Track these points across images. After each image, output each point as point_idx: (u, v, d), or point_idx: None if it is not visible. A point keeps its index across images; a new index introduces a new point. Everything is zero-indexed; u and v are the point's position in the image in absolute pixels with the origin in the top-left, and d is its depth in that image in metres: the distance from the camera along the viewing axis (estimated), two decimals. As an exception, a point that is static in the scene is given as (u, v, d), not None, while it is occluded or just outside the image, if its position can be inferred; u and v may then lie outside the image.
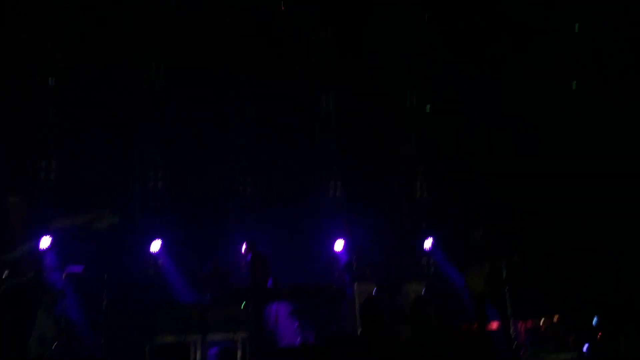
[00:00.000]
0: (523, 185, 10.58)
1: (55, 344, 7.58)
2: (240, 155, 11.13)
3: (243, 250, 9.80)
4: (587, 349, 8.48)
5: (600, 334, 9.37)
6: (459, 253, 8.35)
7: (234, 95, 11.20)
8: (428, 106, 12.09)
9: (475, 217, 9.00)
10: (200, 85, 10.54)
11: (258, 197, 11.00)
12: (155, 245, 9.88)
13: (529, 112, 10.65)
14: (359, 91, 11.53)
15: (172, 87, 10.53)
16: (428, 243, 11.52)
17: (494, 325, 8.41)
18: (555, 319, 9.90)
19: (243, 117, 11.14)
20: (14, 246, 5.46)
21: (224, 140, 11.10)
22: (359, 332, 8.51)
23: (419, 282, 9.56)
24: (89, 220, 5.60)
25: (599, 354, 8.09)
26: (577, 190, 10.00)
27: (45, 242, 7.96)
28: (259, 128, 11.10)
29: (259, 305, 9.13)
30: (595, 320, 9.20)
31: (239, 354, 8.01)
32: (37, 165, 9.52)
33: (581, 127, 10.21)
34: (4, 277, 5.27)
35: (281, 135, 11.00)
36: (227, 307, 8.29)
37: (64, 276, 8.09)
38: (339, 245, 11.08)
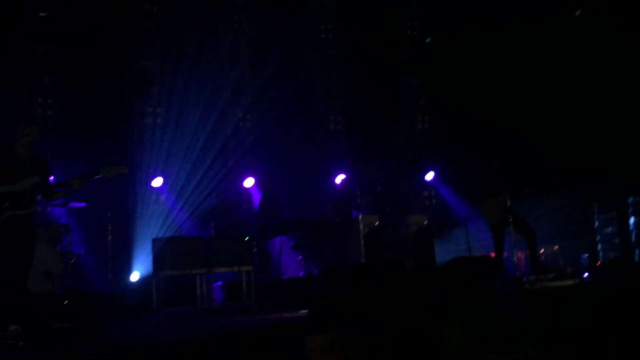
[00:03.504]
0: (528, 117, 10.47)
1: (62, 280, 7.62)
2: (240, 91, 10.95)
3: (257, 184, 9.83)
4: (587, 277, 8.61)
5: (599, 263, 9.52)
6: (474, 183, 8.37)
7: (230, 27, 10.90)
8: (429, 38, 11.84)
9: (481, 149, 8.95)
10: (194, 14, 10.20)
11: (259, 133, 10.89)
12: (157, 182, 9.84)
13: (535, 41, 10.40)
14: (359, 22, 11.24)
15: (168, 17, 10.19)
16: (430, 175, 11.54)
17: (492, 254, 8.54)
18: (556, 248, 10.05)
19: (239, 51, 10.88)
20: (18, 179, 5.40)
21: (221, 75, 10.87)
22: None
23: (421, 214, 9.62)
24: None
25: (599, 282, 8.21)
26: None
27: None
28: (258, 61, 10.87)
29: (263, 239, 9.19)
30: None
31: (244, 286, 8.14)
32: (34, 101, 9.35)
33: (587, 54, 9.99)
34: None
35: (281, 68, 10.78)
36: (232, 241, 8.36)
37: (67, 210, 8.06)
38: (340, 179, 11.10)
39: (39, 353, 4.54)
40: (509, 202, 7.79)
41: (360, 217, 8.70)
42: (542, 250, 9.94)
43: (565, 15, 10.51)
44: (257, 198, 10.34)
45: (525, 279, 8.15)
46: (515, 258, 8.40)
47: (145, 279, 8.47)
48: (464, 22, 11.03)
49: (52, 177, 5.95)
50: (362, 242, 8.37)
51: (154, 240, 8.00)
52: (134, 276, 8.86)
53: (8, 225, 5.29)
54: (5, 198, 5.29)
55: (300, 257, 9.34)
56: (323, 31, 11.45)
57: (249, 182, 10.51)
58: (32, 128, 5.55)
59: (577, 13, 10.73)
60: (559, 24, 10.46)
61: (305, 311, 5.79)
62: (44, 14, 9.47)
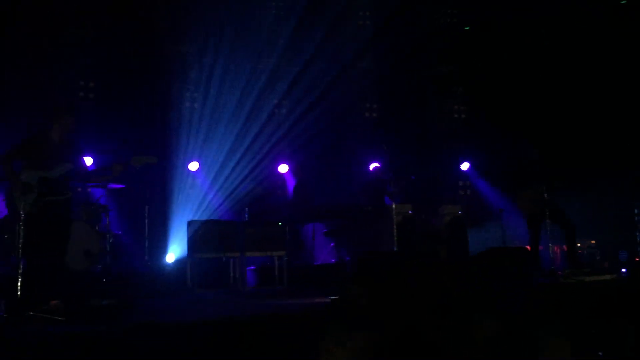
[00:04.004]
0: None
1: (101, 259, 7.84)
2: (276, 77, 10.98)
3: (291, 171, 9.89)
4: (626, 272, 8.41)
5: (639, 258, 9.29)
6: (510, 174, 8.24)
7: (267, 13, 10.92)
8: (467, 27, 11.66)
9: (518, 140, 8.79)
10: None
11: (294, 119, 10.93)
12: (193, 166, 10.00)
13: (575, 30, 10.13)
14: (395, 9, 11.11)
15: (207, 3, 10.26)
16: (465, 166, 11.42)
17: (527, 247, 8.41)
18: (592, 242, 9.84)
19: (276, 38, 10.90)
20: (54, 165, 5.55)
21: (257, 61, 10.90)
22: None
23: (455, 204, 9.54)
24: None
25: (638, 277, 8.00)
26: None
27: (88, 161, 8.12)
28: (294, 48, 10.86)
29: (296, 225, 9.25)
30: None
31: (276, 271, 8.22)
32: (76, 85, 9.57)
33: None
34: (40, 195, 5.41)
35: (317, 56, 10.76)
36: (265, 226, 8.44)
37: (106, 191, 8.26)
38: (373, 167, 11.07)
39: (76, 327, 4.69)
40: (545, 194, 7.67)
41: (393, 205, 8.68)
42: (579, 244, 9.76)
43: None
44: (291, 184, 10.41)
45: (560, 272, 8.04)
46: (551, 252, 8.27)
47: (181, 261, 8.64)
48: (502, 10, 10.81)
49: (91, 160, 6.10)
50: (395, 230, 8.36)
51: (190, 223, 8.13)
52: (170, 257, 9.05)
53: (46, 211, 5.46)
54: (43, 184, 5.46)
55: (332, 244, 9.38)
56: (359, 18, 11.38)
57: (283, 168, 10.59)
58: (71, 118, 5.69)
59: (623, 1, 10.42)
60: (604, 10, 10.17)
61: (335, 297, 5.82)
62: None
